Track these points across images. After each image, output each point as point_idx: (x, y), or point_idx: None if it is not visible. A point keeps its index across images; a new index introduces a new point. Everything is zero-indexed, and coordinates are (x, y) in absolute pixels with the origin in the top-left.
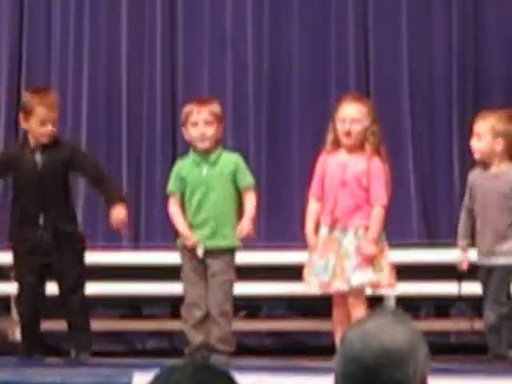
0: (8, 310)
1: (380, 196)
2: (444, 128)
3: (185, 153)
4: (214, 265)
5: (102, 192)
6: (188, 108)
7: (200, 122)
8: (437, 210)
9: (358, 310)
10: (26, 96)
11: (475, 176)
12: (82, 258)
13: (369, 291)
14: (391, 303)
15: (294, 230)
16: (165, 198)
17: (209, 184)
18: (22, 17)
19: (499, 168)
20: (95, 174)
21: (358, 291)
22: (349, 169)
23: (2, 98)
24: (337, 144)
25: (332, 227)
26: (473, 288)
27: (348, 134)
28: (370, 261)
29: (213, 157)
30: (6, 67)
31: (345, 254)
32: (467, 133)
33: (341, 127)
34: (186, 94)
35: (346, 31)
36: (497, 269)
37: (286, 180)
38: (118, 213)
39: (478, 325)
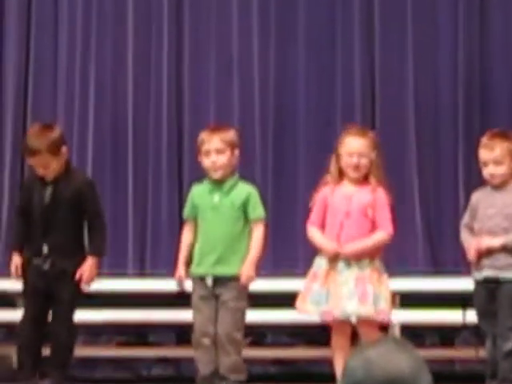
0: (12, 337)
1: (386, 225)
2: (450, 156)
3: (192, 180)
4: (225, 293)
5: (88, 236)
6: (200, 137)
7: (211, 151)
8: (442, 239)
9: (370, 337)
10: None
11: (482, 197)
12: (74, 298)
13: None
14: (396, 331)
15: (298, 257)
16: (171, 225)
17: (219, 211)
18: (28, 47)
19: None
20: (91, 216)
21: (367, 320)
22: (354, 200)
23: (8, 124)
24: (340, 176)
25: (335, 257)
26: None
27: (357, 167)
28: (336, 256)
29: (227, 185)
30: (12, 99)
31: (344, 282)
32: (473, 161)
33: (348, 161)
34: (192, 121)
35: (352, 59)
36: (507, 283)
37: (291, 208)
38: (85, 268)
39: (483, 353)
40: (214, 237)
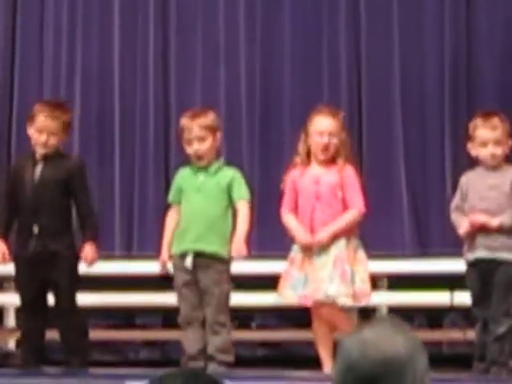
0: (1, 320)
1: (356, 202)
2: (436, 138)
3: (178, 163)
4: (206, 279)
5: (79, 220)
6: (181, 123)
7: (193, 139)
8: (429, 220)
9: (340, 320)
10: (36, 104)
11: (473, 178)
12: (72, 276)
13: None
14: (383, 313)
15: (285, 240)
16: (157, 208)
17: (203, 191)
18: (14, 33)
19: (504, 167)
20: (81, 200)
21: (334, 302)
22: (323, 182)
23: None
24: (308, 158)
25: (308, 248)
26: (465, 298)
27: (326, 147)
28: (321, 245)
29: (212, 168)
30: None
31: (322, 265)
32: (459, 143)
33: (319, 140)
34: (179, 107)
35: (338, 43)
36: (503, 265)
37: (277, 192)
38: (88, 253)
39: (471, 335)
40: (195, 215)
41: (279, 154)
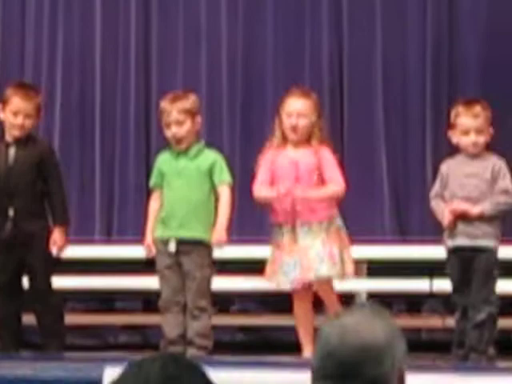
0: None
1: (337, 179)
2: (417, 124)
3: (159, 147)
4: (188, 263)
5: (49, 205)
6: (160, 106)
7: (171, 122)
8: (409, 207)
9: (330, 300)
10: (8, 88)
11: (454, 166)
12: (47, 258)
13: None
14: (363, 299)
15: (265, 224)
16: (138, 192)
17: (184, 176)
18: None
19: (484, 155)
20: (52, 185)
21: (326, 282)
22: (301, 165)
23: None
24: (284, 140)
25: (293, 225)
26: (444, 285)
27: (294, 128)
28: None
29: (192, 151)
30: None
31: (311, 246)
32: (440, 130)
33: (287, 121)
34: (159, 89)
35: (320, 27)
36: (484, 253)
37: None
38: (57, 238)
39: (450, 321)
40: (177, 201)
41: (260, 138)
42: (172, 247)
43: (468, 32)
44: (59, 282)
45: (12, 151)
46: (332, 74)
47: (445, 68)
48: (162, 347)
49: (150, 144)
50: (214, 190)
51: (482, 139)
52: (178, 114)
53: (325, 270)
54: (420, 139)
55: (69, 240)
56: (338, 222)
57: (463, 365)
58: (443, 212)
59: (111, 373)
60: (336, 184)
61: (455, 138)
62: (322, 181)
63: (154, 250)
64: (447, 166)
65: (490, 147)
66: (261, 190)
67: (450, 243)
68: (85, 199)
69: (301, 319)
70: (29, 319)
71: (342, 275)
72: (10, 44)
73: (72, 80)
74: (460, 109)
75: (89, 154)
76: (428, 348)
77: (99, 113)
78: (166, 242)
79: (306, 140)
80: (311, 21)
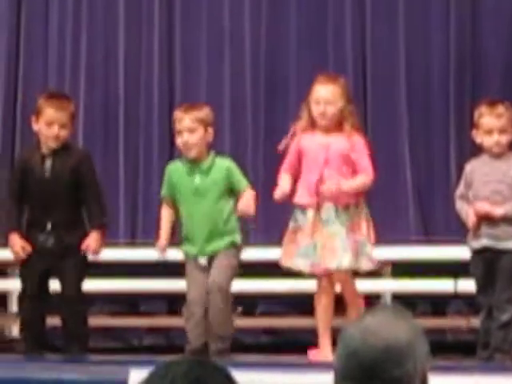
0: (5, 306)
1: (367, 169)
2: (441, 124)
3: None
4: (217, 256)
5: (87, 210)
6: (174, 116)
7: (183, 130)
8: (433, 207)
9: (350, 292)
10: (39, 98)
11: (478, 166)
12: (82, 268)
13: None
14: (387, 300)
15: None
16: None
17: (202, 193)
18: (19, 20)
19: (508, 155)
20: (89, 191)
21: (346, 272)
22: (332, 148)
23: None
24: (312, 125)
25: (318, 207)
26: (469, 285)
27: (323, 115)
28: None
29: (205, 165)
30: (4, 71)
31: (336, 233)
32: (465, 128)
33: (316, 109)
34: (183, 95)
35: (343, 25)
36: (508, 254)
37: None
38: (90, 242)
39: (474, 322)
40: (199, 219)
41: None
42: (203, 261)
43: (491, 31)
44: (84, 285)
45: (48, 163)
46: (356, 76)
47: (468, 67)
48: (188, 352)
49: (174, 148)
50: (231, 198)
51: (504, 139)
52: (190, 122)
53: (347, 261)
54: (444, 140)
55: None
56: (365, 210)
57: (488, 365)
58: (467, 213)
59: (136, 375)
60: (366, 174)
61: (479, 138)
62: (351, 166)
63: (165, 252)
64: (471, 167)
65: None
66: (281, 177)
67: (475, 244)
68: (109, 201)
69: (320, 307)
70: (53, 322)
71: (366, 265)
72: (34, 52)
73: (95, 87)
74: (483, 109)
75: (113, 157)
76: (453, 349)
77: (123, 118)
78: (195, 256)
79: (337, 126)
80: (334, 20)
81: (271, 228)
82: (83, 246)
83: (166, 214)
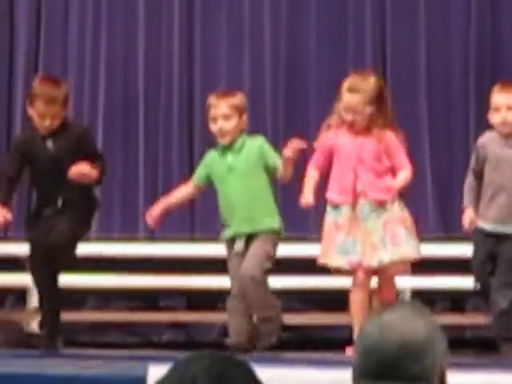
0: (24, 301)
1: (405, 164)
2: (462, 123)
3: (202, 145)
4: (254, 242)
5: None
6: (208, 102)
7: (218, 117)
8: (453, 204)
9: (388, 288)
10: (34, 82)
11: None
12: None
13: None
14: (406, 297)
15: (311, 222)
16: None
17: (236, 171)
18: (39, 16)
19: None
20: (93, 158)
21: (388, 268)
22: (365, 147)
23: (19, 99)
24: (343, 122)
25: (354, 204)
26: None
27: (352, 123)
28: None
29: (237, 144)
30: (23, 66)
31: (373, 230)
32: (485, 127)
33: (345, 115)
34: (203, 90)
35: (363, 23)
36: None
37: (301, 169)
38: (81, 167)
39: None
40: (236, 198)
41: (304, 135)
42: (240, 246)
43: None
44: (104, 280)
45: (50, 144)
46: (375, 66)
47: (488, 66)
48: (230, 345)
49: (194, 143)
50: (268, 175)
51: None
52: (226, 109)
53: (387, 256)
54: (464, 137)
55: (109, 237)
56: (400, 201)
57: (507, 362)
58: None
59: (155, 371)
60: (407, 169)
61: (491, 118)
62: (383, 164)
63: (156, 224)
64: (483, 143)
65: None
66: (307, 176)
67: (481, 224)
68: (128, 196)
69: (356, 304)
70: (70, 317)
71: (411, 254)
72: (54, 47)
73: (115, 81)
74: (495, 88)
75: (133, 152)
76: (472, 346)
77: (143, 113)
78: (233, 240)
79: (368, 127)
80: (354, 17)
81: (290, 224)
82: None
83: (181, 190)
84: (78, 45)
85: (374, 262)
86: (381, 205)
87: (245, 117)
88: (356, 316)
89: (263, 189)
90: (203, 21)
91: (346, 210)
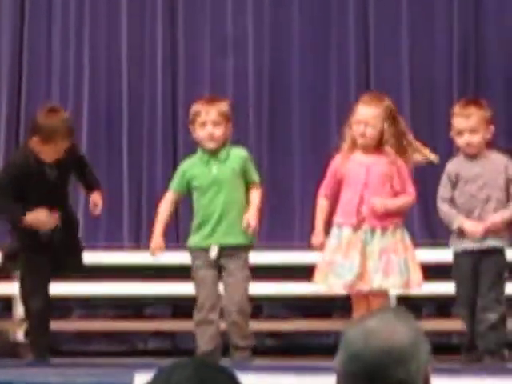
0: (9, 310)
1: (411, 192)
2: (445, 130)
3: (186, 154)
4: (230, 264)
5: (84, 181)
6: (196, 107)
7: (208, 122)
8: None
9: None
10: (40, 119)
11: (460, 166)
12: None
13: (396, 292)
14: (392, 303)
15: (294, 230)
16: None
17: (220, 182)
18: (22, 26)
19: (489, 156)
20: (86, 174)
21: (380, 293)
22: (372, 170)
23: (3, 111)
24: (354, 146)
25: (357, 227)
26: None
27: (363, 135)
28: (381, 212)
29: (222, 154)
30: (7, 78)
31: (369, 255)
32: None
33: (356, 128)
34: (186, 97)
35: (346, 32)
36: (491, 253)
37: (286, 181)
38: (96, 199)
39: None
40: (216, 207)
41: (287, 147)
42: (214, 254)
43: (494, 36)
44: (89, 288)
45: (46, 168)
46: (359, 82)
47: (471, 73)
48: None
49: (178, 153)
50: (245, 189)
51: (476, 139)
52: (216, 115)
53: (377, 282)
54: (447, 143)
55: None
56: (402, 232)
57: (493, 368)
58: (458, 221)
59: (141, 379)
60: (409, 195)
61: (455, 140)
62: (391, 186)
63: (160, 253)
64: (453, 168)
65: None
66: (318, 205)
67: (460, 245)
68: (113, 205)
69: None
70: (56, 326)
71: (406, 284)
72: (37, 62)
73: (98, 90)
74: (455, 109)
75: (117, 162)
76: (459, 351)
77: (126, 123)
78: (205, 249)
79: (378, 146)
80: (338, 26)
81: (274, 231)
82: (91, 205)
83: (166, 209)
84: (61, 63)
85: (365, 287)
86: (383, 231)
87: (230, 126)
88: None
89: (242, 201)
90: (186, 30)
91: (347, 232)
